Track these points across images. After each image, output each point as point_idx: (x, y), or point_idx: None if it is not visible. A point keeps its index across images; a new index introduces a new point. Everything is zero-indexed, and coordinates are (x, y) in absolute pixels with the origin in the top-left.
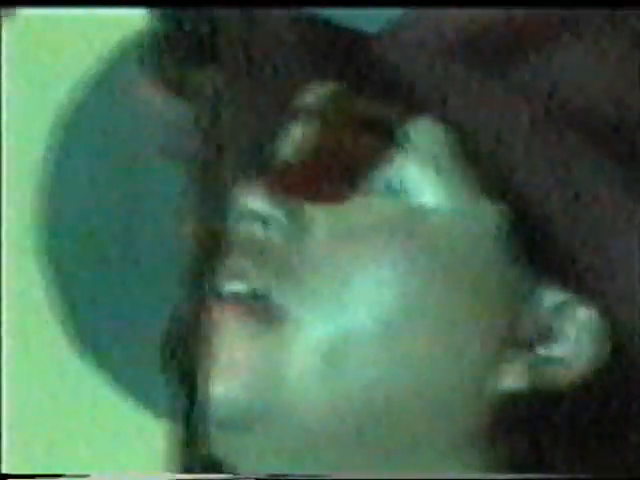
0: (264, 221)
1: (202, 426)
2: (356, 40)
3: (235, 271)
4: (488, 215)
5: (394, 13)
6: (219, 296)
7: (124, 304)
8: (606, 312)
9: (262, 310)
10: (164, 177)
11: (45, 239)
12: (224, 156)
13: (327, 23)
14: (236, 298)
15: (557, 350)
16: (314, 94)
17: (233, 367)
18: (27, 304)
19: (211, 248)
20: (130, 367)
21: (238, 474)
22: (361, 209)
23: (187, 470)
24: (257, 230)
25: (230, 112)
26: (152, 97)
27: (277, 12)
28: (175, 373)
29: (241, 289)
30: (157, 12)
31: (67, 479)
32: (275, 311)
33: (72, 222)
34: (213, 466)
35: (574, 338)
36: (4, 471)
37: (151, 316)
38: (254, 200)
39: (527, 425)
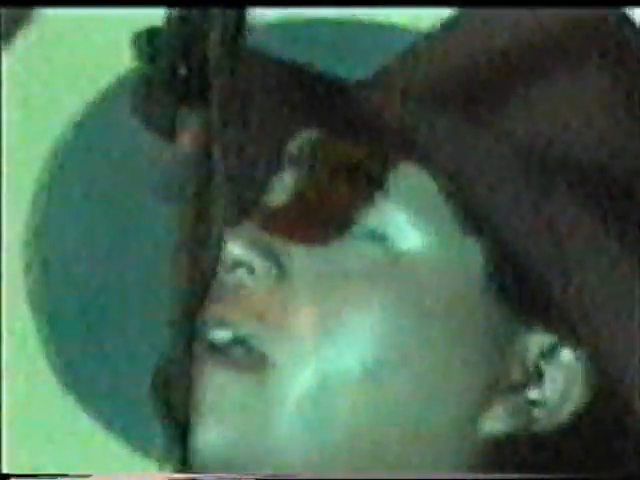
0: (247, 268)
1: (187, 469)
2: (340, 88)
3: (219, 318)
4: (472, 261)
5: (379, 62)
6: (204, 343)
7: (111, 347)
8: (590, 354)
9: (246, 358)
10: (155, 219)
11: (34, 282)
12: (212, 198)
13: (312, 72)
14: (221, 345)
15: (542, 393)
16: (299, 140)
17: (218, 415)
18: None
19: (197, 293)
20: (117, 411)
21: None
22: (344, 255)
23: None
24: (240, 277)
25: (217, 157)
26: (143, 138)
27: (265, 60)
28: (161, 418)
29: (225, 336)
30: (147, 53)
31: (69, 479)
32: (259, 359)
33: (60, 265)
34: None
35: (559, 381)
36: (4, 471)
37: (137, 361)
38: (237, 247)
39: (512, 468)
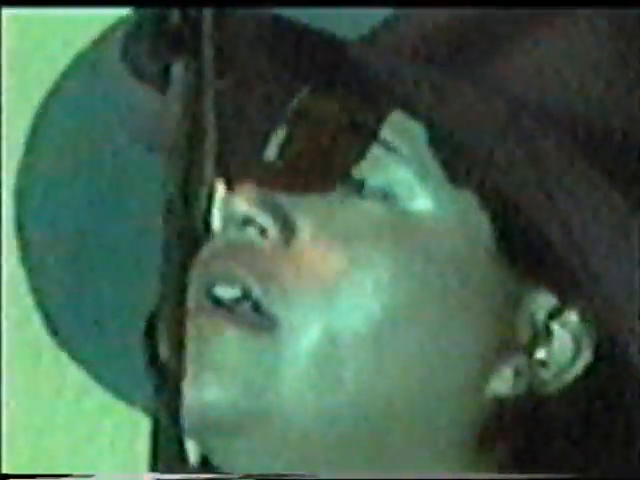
0: (258, 228)
1: (182, 428)
2: (334, 45)
3: (224, 275)
4: (477, 220)
5: (372, 20)
6: (209, 300)
7: (101, 296)
8: (595, 316)
9: (252, 315)
10: (144, 170)
11: (18, 232)
12: (204, 152)
13: (306, 28)
14: (226, 303)
15: (550, 353)
16: (295, 96)
17: (224, 372)
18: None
19: (191, 246)
20: (116, 369)
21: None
22: (352, 215)
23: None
24: (246, 234)
25: (208, 109)
26: (133, 88)
27: (258, 14)
28: (162, 377)
29: (231, 294)
30: (138, 5)
31: (70, 479)
32: (264, 316)
33: (45, 214)
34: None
35: (567, 341)
36: (4, 471)
37: (129, 312)
38: (241, 204)
39: (520, 428)
